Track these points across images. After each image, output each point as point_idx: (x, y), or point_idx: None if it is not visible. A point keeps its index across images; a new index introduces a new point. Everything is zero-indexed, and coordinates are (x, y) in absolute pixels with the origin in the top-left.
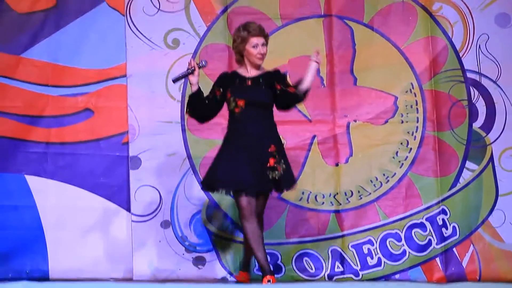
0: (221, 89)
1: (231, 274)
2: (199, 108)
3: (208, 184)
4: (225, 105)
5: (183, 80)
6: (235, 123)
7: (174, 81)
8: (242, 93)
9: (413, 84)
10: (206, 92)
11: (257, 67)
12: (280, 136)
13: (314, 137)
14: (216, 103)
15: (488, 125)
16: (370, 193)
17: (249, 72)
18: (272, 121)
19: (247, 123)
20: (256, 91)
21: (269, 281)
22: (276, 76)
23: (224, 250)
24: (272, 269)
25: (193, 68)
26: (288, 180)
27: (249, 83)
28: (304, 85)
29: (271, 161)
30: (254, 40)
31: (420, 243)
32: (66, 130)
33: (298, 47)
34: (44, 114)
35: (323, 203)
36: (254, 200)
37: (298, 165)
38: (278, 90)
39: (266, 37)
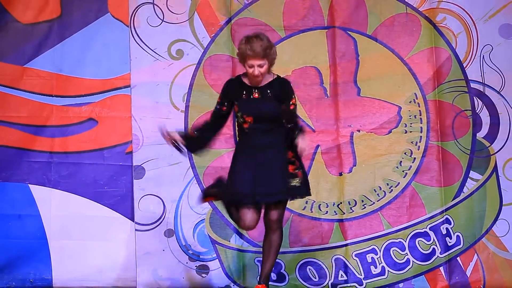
0: (226, 104)
1: (234, 282)
2: (202, 143)
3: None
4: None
5: (188, 87)
6: (245, 136)
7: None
8: (250, 109)
9: (417, 94)
10: (209, 102)
11: (258, 83)
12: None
13: (317, 147)
14: (222, 117)
15: (492, 135)
16: (373, 203)
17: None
18: (283, 130)
19: (257, 137)
20: (264, 105)
21: None
22: (284, 91)
23: (227, 259)
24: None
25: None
26: (307, 185)
27: (257, 95)
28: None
29: (291, 168)
30: (251, 61)
31: (424, 252)
32: (70, 139)
33: (302, 58)
34: (48, 123)
35: (326, 212)
36: (259, 212)
37: None
38: (282, 109)
39: (266, 56)
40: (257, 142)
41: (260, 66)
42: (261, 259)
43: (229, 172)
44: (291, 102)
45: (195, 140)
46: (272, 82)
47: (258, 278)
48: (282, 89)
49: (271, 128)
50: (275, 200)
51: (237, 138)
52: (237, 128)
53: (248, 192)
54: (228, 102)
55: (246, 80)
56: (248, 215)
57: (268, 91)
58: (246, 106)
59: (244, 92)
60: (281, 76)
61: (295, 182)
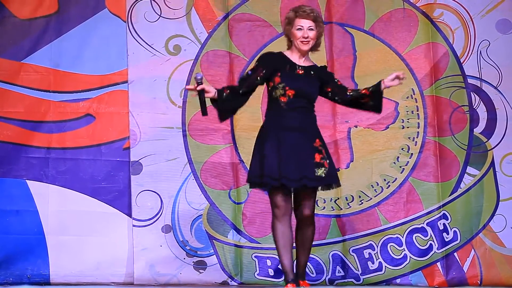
0: (265, 71)
1: (232, 278)
2: (228, 106)
3: (254, 180)
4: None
5: (186, 83)
6: (279, 112)
7: (203, 112)
8: (293, 82)
9: (414, 90)
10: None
11: (304, 53)
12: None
13: None
14: (251, 86)
15: (489, 131)
16: (371, 198)
17: (298, 59)
18: (314, 114)
19: (293, 115)
20: (308, 82)
21: None
22: (326, 73)
23: (225, 255)
24: (295, 277)
25: (198, 90)
26: (334, 176)
27: (301, 72)
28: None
29: (317, 157)
30: (300, 21)
31: (421, 247)
32: (68, 135)
33: None
34: (45, 119)
35: (324, 207)
36: (291, 199)
37: None
38: (330, 90)
39: (317, 21)
40: (291, 121)
41: (310, 29)
42: (258, 255)
43: (255, 152)
44: (336, 79)
45: (229, 99)
46: (313, 65)
47: (294, 276)
48: (323, 71)
49: (306, 108)
50: (301, 185)
51: (268, 115)
52: (268, 104)
53: (276, 175)
54: (267, 70)
55: (289, 55)
56: (282, 200)
57: (312, 72)
58: (291, 79)
59: (288, 66)
60: None
61: (321, 172)
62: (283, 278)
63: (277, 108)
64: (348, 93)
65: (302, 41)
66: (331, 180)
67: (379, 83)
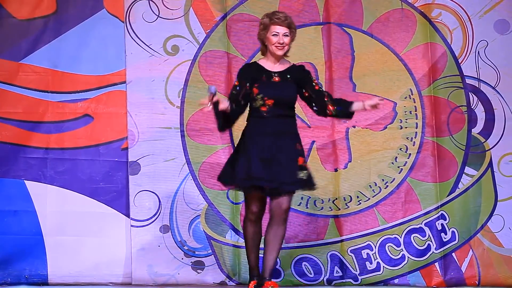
0: (248, 84)
1: (229, 278)
2: (233, 117)
3: (228, 181)
4: None
5: (184, 83)
6: (260, 120)
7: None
8: (271, 91)
9: (412, 90)
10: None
11: (278, 58)
12: None
13: (313, 142)
14: (246, 98)
15: (487, 131)
16: (369, 199)
17: (274, 65)
18: (295, 118)
19: (274, 122)
20: (285, 89)
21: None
22: (303, 75)
23: (223, 255)
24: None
25: (214, 102)
26: (312, 180)
27: (277, 79)
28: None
29: (301, 160)
30: (276, 28)
31: (419, 248)
32: (66, 135)
33: (297, 54)
34: (44, 120)
35: (322, 208)
36: (266, 202)
37: None
38: (307, 95)
39: (291, 28)
40: (272, 128)
41: (285, 35)
42: None
43: (233, 155)
44: (313, 83)
45: (234, 111)
46: (290, 67)
47: (261, 274)
48: (300, 73)
49: (287, 114)
50: (280, 189)
51: (249, 123)
52: (250, 113)
53: (251, 176)
54: (247, 83)
55: (263, 64)
56: (256, 204)
57: (288, 76)
58: (268, 88)
59: (264, 75)
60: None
61: (303, 174)
62: (282, 278)
63: (258, 115)
64: (325, 100)
65: (277, 46)
66: (311, 184)
67: (348, 105)
